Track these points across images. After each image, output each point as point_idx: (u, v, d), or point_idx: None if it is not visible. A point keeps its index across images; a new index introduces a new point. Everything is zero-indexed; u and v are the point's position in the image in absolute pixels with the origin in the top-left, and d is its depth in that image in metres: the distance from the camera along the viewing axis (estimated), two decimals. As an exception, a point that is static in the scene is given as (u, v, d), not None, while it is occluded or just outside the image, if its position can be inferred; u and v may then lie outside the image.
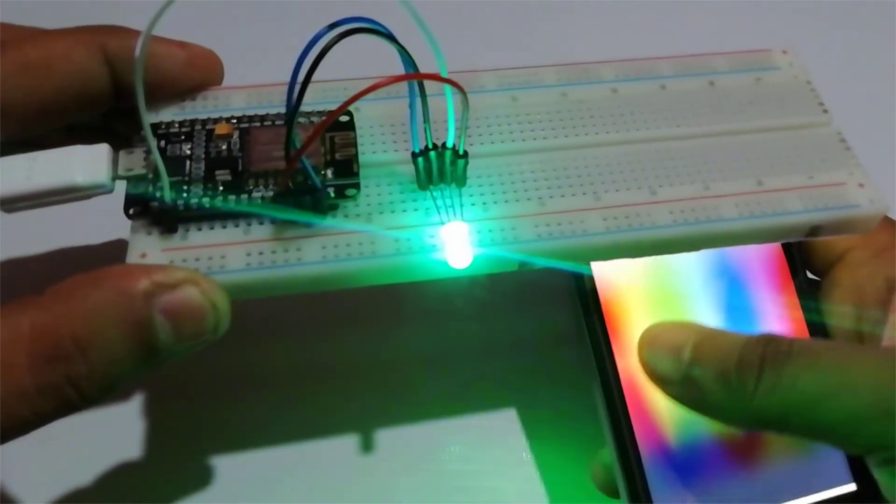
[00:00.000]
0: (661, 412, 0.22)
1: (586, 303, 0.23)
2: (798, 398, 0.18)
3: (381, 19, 0.17)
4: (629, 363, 0.22)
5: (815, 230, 0.21)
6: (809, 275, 0.25)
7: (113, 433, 0.26)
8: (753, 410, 0.19)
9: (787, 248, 0.24)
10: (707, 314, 0.23)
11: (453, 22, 0.21)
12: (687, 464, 0.22)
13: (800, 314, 0.24)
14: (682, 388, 0.20)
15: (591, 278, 0.23)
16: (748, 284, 0.24)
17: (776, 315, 0.24)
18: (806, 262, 0.24)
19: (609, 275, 0.23)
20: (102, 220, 0.20)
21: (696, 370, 0.20)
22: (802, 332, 0.24)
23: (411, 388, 0.28)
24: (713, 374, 0.20)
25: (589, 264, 0.23)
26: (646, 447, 0.22)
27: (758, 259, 0.24)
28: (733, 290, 0.24)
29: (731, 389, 0.19)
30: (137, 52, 0.16)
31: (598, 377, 0.22)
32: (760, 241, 0.22)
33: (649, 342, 0.22)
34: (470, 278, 0.20)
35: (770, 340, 0.19)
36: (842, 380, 0.18)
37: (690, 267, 0.24)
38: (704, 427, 0.23)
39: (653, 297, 0.23)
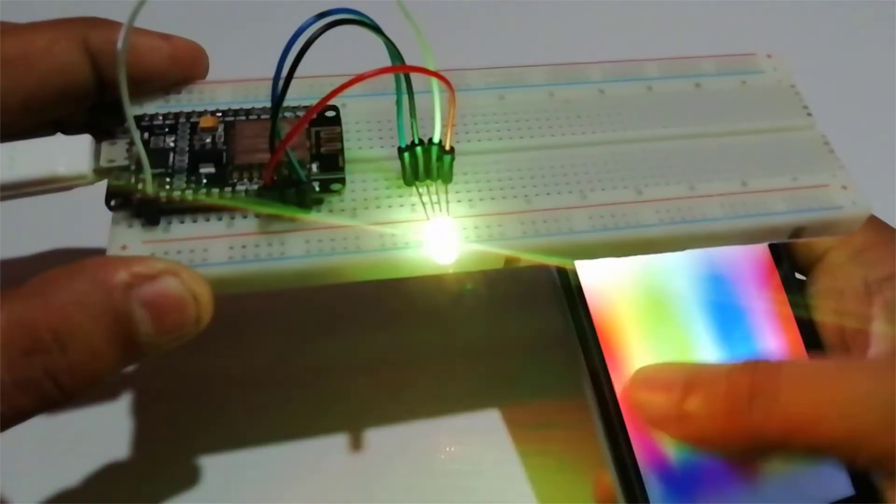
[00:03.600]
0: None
1: (577, 317, 0.23)
2: (795, 420, 0.19)
3: (369, 14, 0.17)
4: (624, 378, 0.22)
5: (798, 231, 0.22)
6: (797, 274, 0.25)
7: (105, 433, 0.26)
8: (752, 437, 0.19)
9: (773, 246, 0.25)
10: (696, 313, 0.23)
11: (441, 21, 0.21)
12: (687, 478, 0.22)
13: (788, 310, 0.24)
14: (678, 425, 0.21)
15: (578, 283, 0.23)
16: (735, 281, 0.24)
17: (765, 312, 0.24)
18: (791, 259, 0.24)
19: (596, 277, 0.23)
20: (92, 217, 0.20)
21: (689, 404, 0.20)
22: (792, 328, 0.24)
23: (409, 388, 0.28)
24: (706, 407, 0.20)
25: (574, 265, 0.23)
26: (645, 463, 0.22)
27: (744, 257, 0.24)
28: (721, 287, 0.24)
29: (726, 419, 0.19)
30: (119, 43, 0.16)
31: (595, 399, 0.22)
32: (745, 242, 0.22)
33: (640, 385, 0.22)
34: (468, 278, 0.20)
35: (757, 366, 0.20)
36: (838, 397, 0.19)
37: (677, 266, 0.24)
38: None
39: (641, 299, 0.23)
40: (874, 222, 0.23)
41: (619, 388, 0.22)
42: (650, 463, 0.22)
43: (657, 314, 0.23)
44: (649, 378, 0.22)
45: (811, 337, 0.24)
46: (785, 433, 0.19)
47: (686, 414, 0.20)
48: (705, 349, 0.23)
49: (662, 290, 0.24)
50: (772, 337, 0.24)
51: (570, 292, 0.23)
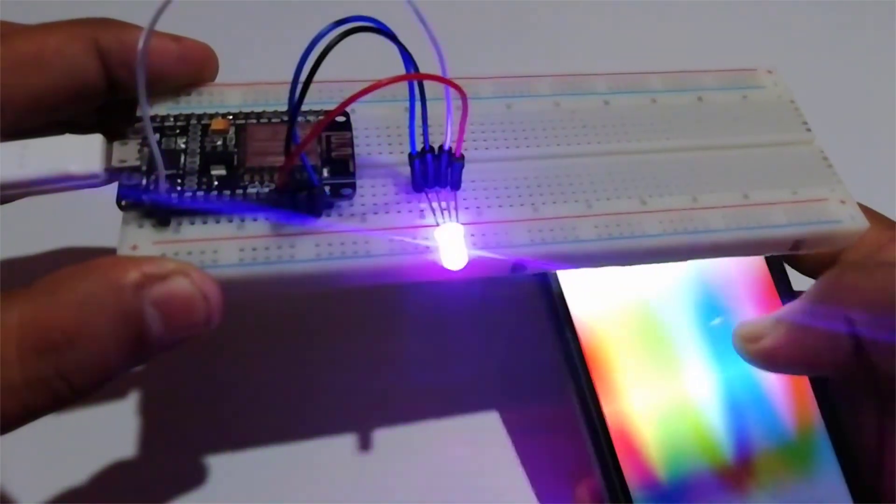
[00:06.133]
0: (649, 449, 0.23)
1: (566, 342, 0.23)
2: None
3: (382, 20, 0.18)
4: (613, 403, 0.23)
5: (798, 244, 0.22)
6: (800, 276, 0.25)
7: (109, 432, 0.26)
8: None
9: (770, 261, 0.25)
10: (687, 333, 0.24)
11: (449, 30, 0.22)
12: (678, 499, 0.23)
13: None
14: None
15: (566, 307, 0.23)
16: (730, 298, 0.24)
17: None
18: (796, 266, 0.25)
19: (584, 301, 0.23)
20: (102, 218, 0.20)
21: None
22: None
23: (410, 389, 0.28)
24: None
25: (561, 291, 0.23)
26: (636, 485, 0.22)
27: (739, 272, 0.25)
28: (715, 305, 0.24)
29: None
30: (140, 45, 0.16)
31: (584, 423, 0.23)
32: (746, 254, 0.22)
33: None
34: (469, 282, 0.20)
35: None
36: None
37: (668, 285, 0.24)
38: (696, 460, 0.23)
39: (631, 320, 0.24)
40: (879, 218, 0.23)
41: (607, 412, 0.23)
42: (640, 485, 0.22)
43: (647, 335, 0.24)
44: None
45: None
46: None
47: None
48: (697, 369, 0.24)
49: (653, 310, 0.24)
50: None
51: (558, 317, 0.23)
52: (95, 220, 0.22)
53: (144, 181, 0.19)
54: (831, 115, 0.27)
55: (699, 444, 0.23)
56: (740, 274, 0.25)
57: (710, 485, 0.23)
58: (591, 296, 0.24)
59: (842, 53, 0.40)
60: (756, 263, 0.25)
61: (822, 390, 0.24)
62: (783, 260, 0.25)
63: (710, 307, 0.24)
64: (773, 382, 0.24)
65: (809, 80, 0.27)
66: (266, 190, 0.19)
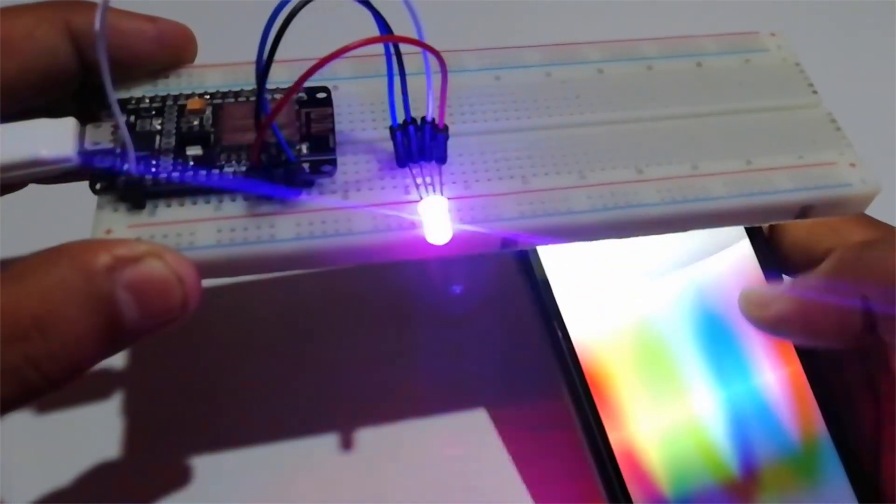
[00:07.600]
0: (655, 471, 0.22)
1: (568, 373, 0.23)
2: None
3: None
4: (617, 427, 0.22)
5: (805, 210, 0.21)
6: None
7: (99, 432, 0.25)
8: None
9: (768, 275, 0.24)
10: (689, 349, 0.24)
11: (435, 2, 0.21)
12: None
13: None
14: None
15: (570, 343, 0.23)
16: (727, 309, 0.24)
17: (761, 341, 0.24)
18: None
19: (587, 332, 0.23)
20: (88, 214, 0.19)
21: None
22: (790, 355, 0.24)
23: (410, 387, 0.27)
24: None
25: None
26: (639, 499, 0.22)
27: (737, 284, 0.24)
28: (713, 316, 0.24)
29: None
30: (97, 24, 0.16)
31: (589, 450, 0.23)
32: (750, 222, 0.21)
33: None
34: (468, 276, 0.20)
35: None
36: None
37: (668, 300, 0.24)
38: (702, 478, 0.23)
39: (633, 346, 0.23)
40: (871, 222, 0.23)
41: (612, 437, 0.22)
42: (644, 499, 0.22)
43: (648, 354, 0.23)
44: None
45: (811, 364, 0.24)
46: None
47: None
48: (700, 386, 0.23)
49: (652, 329, 0.24)
50: (770, 365, 0.24)
51: (559, 347, 0.23)
52: (82, 215, 0.22)
53: (118, 163, 0.18)
54: (839, 78, 0.26)
55: (705, 461, 0.23)
56: (737, 285, 0.24)
57: (717, 502, 0.22)
58: (590, 318, 0.23)
59: (852, 13, 0.38)
60: (753, 274, 0.24)
61: (827, 400, 0.24)
62: (782, 270, 0.24)
63: (709, 321, 0.24)
64: (776, 395, 0.24)
65: (817, 42, 0.26)
66: (243, 168, 0.18)
